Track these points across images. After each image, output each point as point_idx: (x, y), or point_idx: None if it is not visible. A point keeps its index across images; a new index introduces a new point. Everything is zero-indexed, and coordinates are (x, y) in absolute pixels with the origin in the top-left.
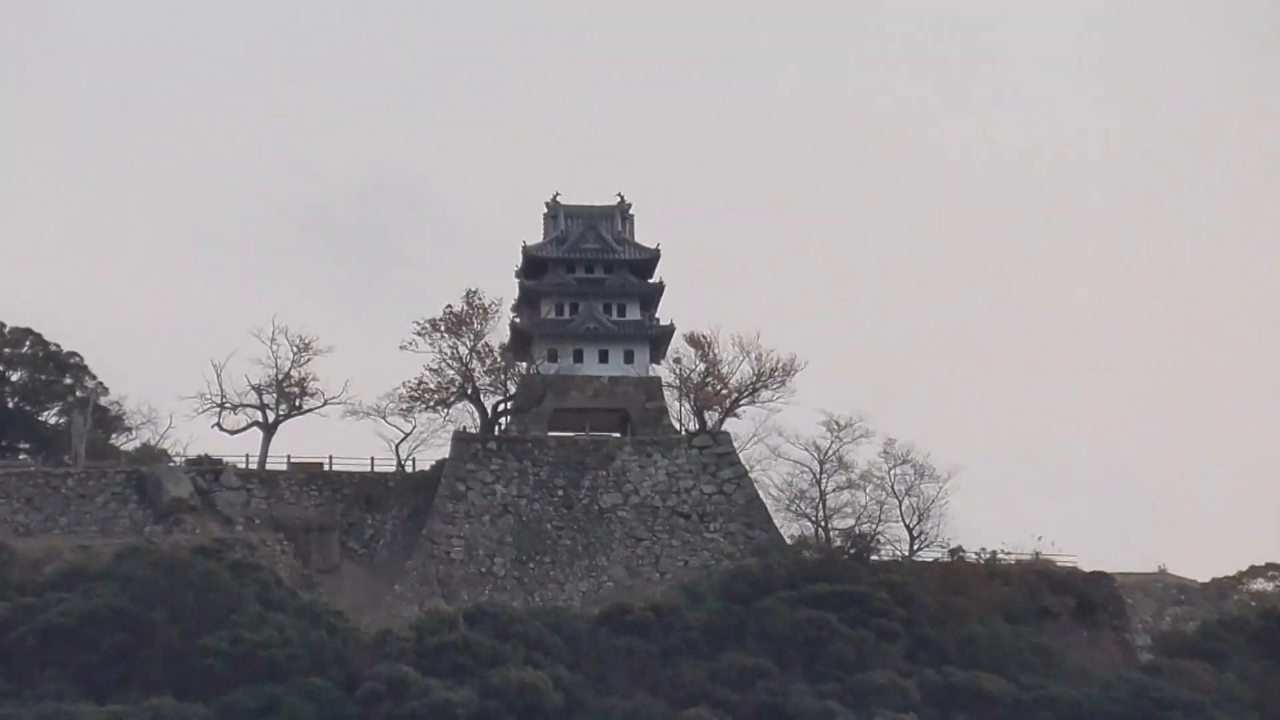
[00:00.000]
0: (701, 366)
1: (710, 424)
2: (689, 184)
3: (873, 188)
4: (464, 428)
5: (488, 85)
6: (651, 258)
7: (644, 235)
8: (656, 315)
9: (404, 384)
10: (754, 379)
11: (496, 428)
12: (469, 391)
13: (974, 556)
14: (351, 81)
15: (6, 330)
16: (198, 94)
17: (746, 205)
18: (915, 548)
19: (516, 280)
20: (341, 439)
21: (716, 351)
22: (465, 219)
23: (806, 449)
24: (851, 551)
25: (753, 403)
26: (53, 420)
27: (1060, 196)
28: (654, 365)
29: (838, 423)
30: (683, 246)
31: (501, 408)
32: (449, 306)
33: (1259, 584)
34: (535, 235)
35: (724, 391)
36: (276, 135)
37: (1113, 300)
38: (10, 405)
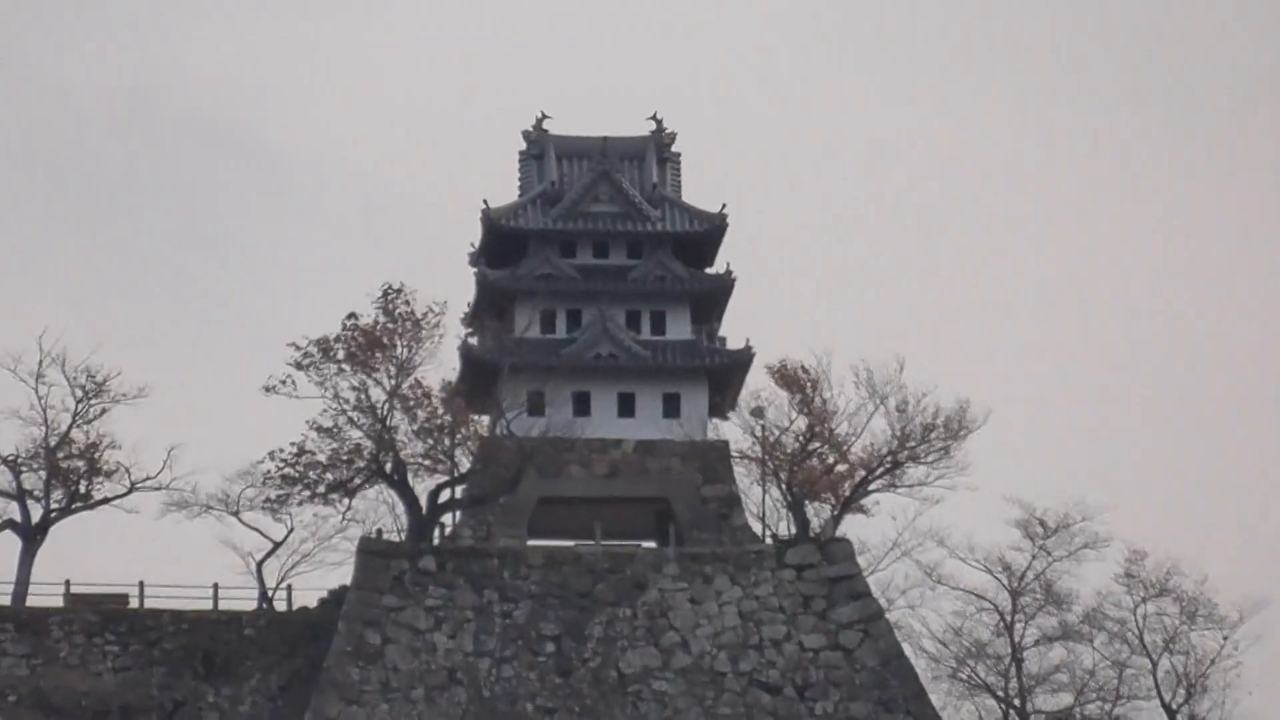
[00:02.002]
0: (801, 422)
1: (818, 525)
2: (772, 99)
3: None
4: (378, 532)
5: None
6: (711, 229)
7: (698, 189)
8: (720, 332)
9: (271, 455)
10: (894, 445)
11: (437, 531)
12: (387, 468)
13: None
14: None
15: None
16: None
17: (872, 139)
18: None
19: (473, 271)
20: (162, 552)
21: (827, 396)
22: (363, 158)
23: (989, 568)
24: None
25: (892, 487)
26: None
27: None
28: (716, 420)
29: (1042, 523)
30: (763, 209)
31: (446, 496)
32: (351, 317)
33: None
34: (505, 189)
35: (841, 468)
36: None
37: None
38: None
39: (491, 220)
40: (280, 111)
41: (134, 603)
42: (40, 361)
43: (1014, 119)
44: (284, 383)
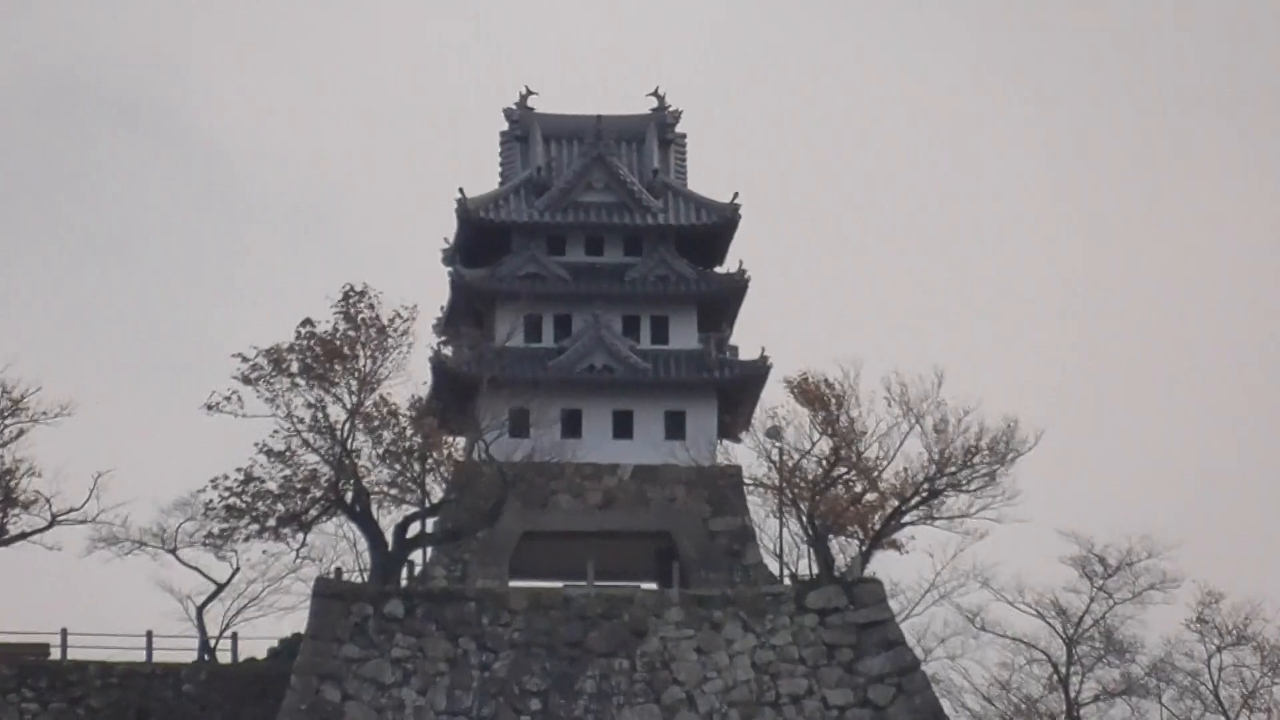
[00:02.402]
0: (824, 444)
1: (844, 563)
2: (789, 73)
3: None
4: (337, 571)
5: None
6: (721, 222)
7: (706, 175)
8: (731, 340)
9: (214, 483)
10: (932, 471)
11: (405, 571)
12: (347, 498)
13: None
14: None
15: None
16: None
17: (903, 121)
18: None
19: (446, 270)
20: (89, 595)
21: (854, 414)
22: (316, 142)
23: (1040, 613)
24: None
25: (929, 519)
26: None
27: None
28: (727, 443)
29: (1102, 561)
30: (780, 199)
31: (416, 530)
32: (306, 324)
33: None
34: (484, 176)
35: (870, 497)
36: None
37: None
38: None
39: (468, 212)
40: (215, 91)
41: (56, 653)
42: None
43: (1064, 102)
44: (228, 399)
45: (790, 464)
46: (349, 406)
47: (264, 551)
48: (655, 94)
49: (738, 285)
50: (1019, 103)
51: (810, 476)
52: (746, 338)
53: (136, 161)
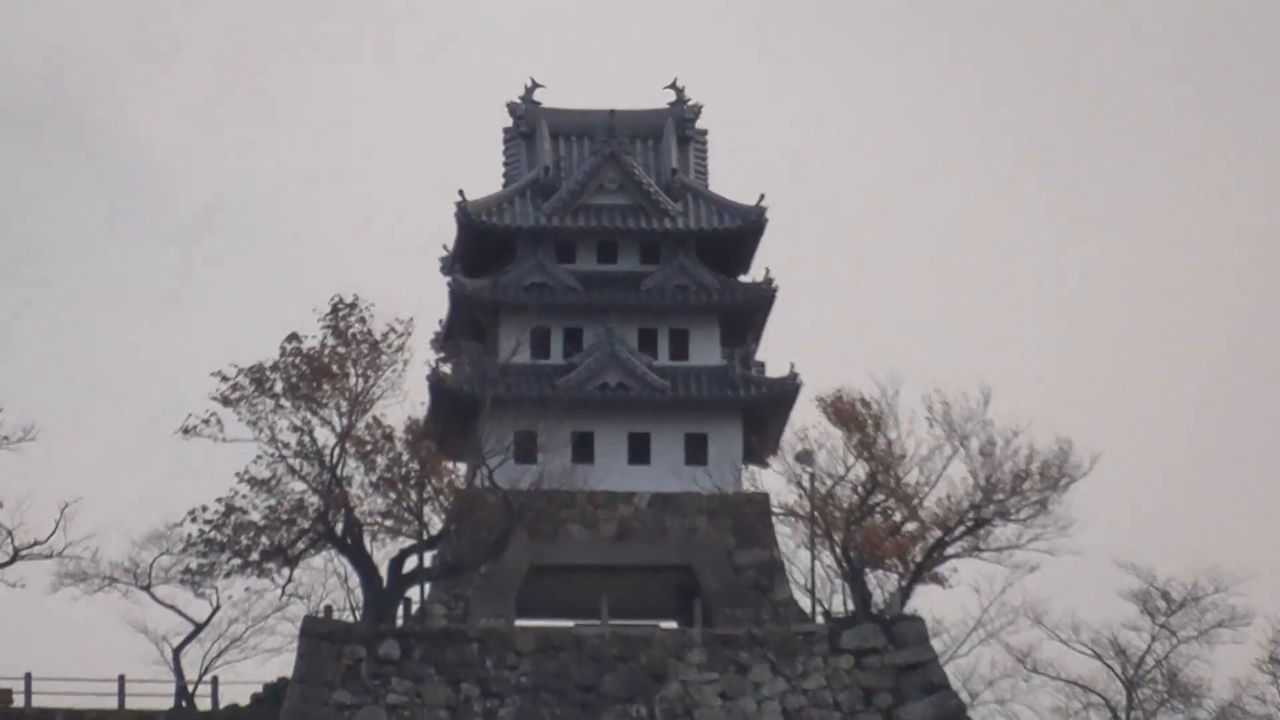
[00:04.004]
0: (860, 469)
1: (882, 599)
2: (819, 64)
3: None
4: (326, 609)
5: None
6: (745, 226)
7: (729, 175)
8: (757, 355)
9: (192, 514)
10: (978, 498)
11: (402, 609)
12: (338, 530)
13: None
14: None
15: None
16: None
17: (939, 115)
18: None
19: (446, 280)
20: (54, 637)
21: (893, 436)
22: (302, 139)
23: (1098, 653)
24: None
25: (976, 551)
26: None
27: None
28: (753, 468)
29: (1165, 595)
30: (810, 201)
31: (413, 564)
32: (292, 339)
33: None
34: (487, 176)
35: (911, 527)
36: None
37: None
38: None
39: (469, 216)
40: (180, 86)
41: (19, 700)
42: None
43: (1113, 99)
44: (207, 422)
45: (823, 491)
46: (339, 429)
47: (247, 588)
48: (673, 86)
49: (764, 295)
50: (1066, 95)
51: (845, 504)
52: (774, 353)
53: (69, 171)
